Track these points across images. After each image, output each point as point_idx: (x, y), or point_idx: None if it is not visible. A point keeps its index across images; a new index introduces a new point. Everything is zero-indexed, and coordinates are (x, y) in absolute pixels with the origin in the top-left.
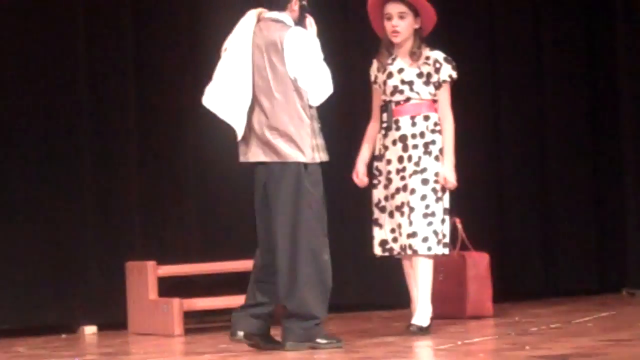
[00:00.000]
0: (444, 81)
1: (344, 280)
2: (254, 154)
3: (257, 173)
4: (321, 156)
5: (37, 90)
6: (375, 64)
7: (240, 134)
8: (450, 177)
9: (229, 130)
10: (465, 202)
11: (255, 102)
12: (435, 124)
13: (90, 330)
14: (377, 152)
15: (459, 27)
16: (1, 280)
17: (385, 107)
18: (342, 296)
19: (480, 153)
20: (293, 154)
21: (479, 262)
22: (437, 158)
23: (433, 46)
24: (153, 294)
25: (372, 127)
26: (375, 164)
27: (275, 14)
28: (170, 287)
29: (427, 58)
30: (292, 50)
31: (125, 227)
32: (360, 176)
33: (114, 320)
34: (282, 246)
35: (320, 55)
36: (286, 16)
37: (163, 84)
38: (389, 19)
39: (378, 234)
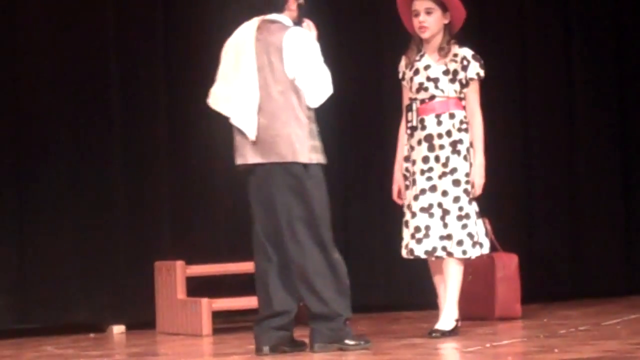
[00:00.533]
0: (471, 79)
1: (372, 280)
2: (253, 156)
3: (254, 175)
4: (319, 157)
5: (70, 98)
6: (403, 60)
7: (252, 136)
8: (478, 179)
9: None
10: (493, 202)
11: (260, 103)
12: (462, 122)
13: (118, 329)
14: (406, 153)
15: (489, 28)
16: (31, 279)
17: (410, 105)
18: (369, 296)
19: (509, 153)
20: (291, 155)
21: (507, 263)
22: (465, 158)
23: (464, 44)
24: (181, 293)
25: (403, 129)
26: (405, 165)
27: (273, 16)
28: (198, 287)
29: (455, 55)
30: (291, 50)
31: (154, 227)
32: (396, 193)
33: (142, 319)
34: (291, 248)
35: (320, 57)
36: (284, 17)
37: (192, 89)
38: (417, 15)
39: (405, 236)
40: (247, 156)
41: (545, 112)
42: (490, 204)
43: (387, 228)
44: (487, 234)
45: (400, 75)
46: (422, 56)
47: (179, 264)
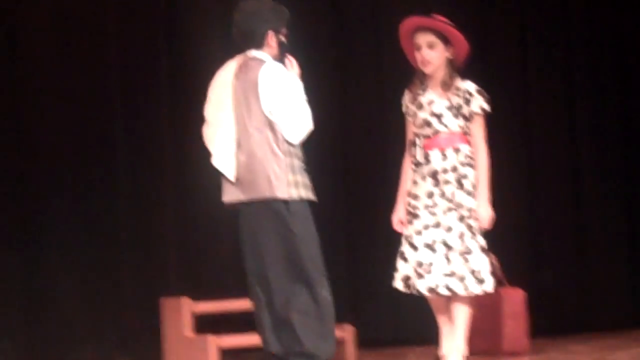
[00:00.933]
0: (475, 113)
1: (378, 314)
2: (234, 193)
3: (240, 212)
4: (301, 193)
5: (75, 135)
6: (407, 95)
7: (231, 177)
8: (484, 214)
9: None
10: (499, 237)
11: (239, 141)
12: (467, 157)
13: None
14: (408, 187)
15: (491, 63)
16: (37, 317)
17: (414, 140)
18: (376, 331)
19: (515, 189)
20: (269, 191)
21: (514, 299)
22: (470, 193)
23: (468, 78)
24: (188, 330)
25: (408, 162)
26: (407, 199)
27: (253, 53)
28: (205, 324)
29: (458, 89)
30: (266, 85)
31: (160, 263)
32: (397, 222)
33: (149, 357)
34: (275, 288)
35: (298, 93)
36: (264, 54)
37: (197, 121)
38: (419, 49)
39: (403, 268)
40: (231, 194)
41: (549, 146)
42: (495, 239)
43: (392, 261)
44: (492, 271)
45: (404, 109)
46: (425, 90)
47: (185, 300)
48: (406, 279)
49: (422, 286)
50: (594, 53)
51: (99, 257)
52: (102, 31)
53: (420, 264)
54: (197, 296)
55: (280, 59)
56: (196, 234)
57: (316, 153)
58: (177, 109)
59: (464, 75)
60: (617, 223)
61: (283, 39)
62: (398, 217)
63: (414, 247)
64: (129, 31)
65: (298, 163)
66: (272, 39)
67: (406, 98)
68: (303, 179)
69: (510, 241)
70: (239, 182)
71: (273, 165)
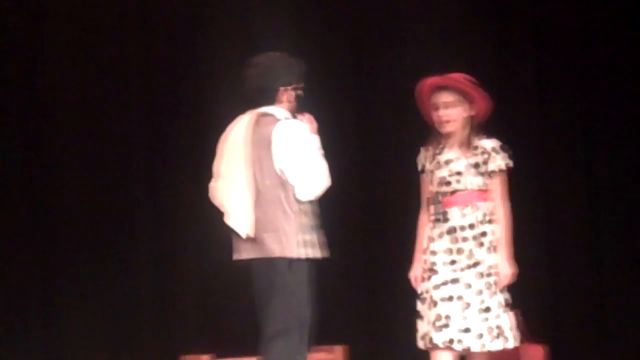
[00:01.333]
0: (493, 171)
1: None
2: (244, 251)
3: (251, 269)
4: (308, 252)
5: (96, 187)
6: (423, 152)
7: (243, 235)
8: (505, 271)
9: None
10: (521, 292)
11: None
12: (485, 215)
13: None
14: (425, 245)
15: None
16: None
17: (433, 198)
18: None
19: (535, 243)
20: (278, 250)
21: (534, 355)
22: (489, 250)
23: (491, 134)
24: None
25: (423, 219)
26: (424, 257)
27: (267, 109)
28: None
29: (476, 147)
30: (280, 142)
31: (180, 320)
32: (414, 279)
33: None
34: (263, 344)
35: (313, 150)
36: (277, 109)
37: None
38: (437, 109)
39: (420, 327)
40: (241, 252)
41: (567, 201)
42: (517, 294)
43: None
44: (516, 327)
45: (420, 168)
46: (442, 149)
47: (205, 358)
48: (425, 337)
49: (438, 339)
50: (612, 111)
51: (119, 315)
52: (124, 93)
53: (439, 317)
54: (217, 353)
55: (294, 113)
56: (216, 291)
57: (337, 205)
58: (199, 167)
59: (487, 131)
60: (636, 277)
61: (299, 92)
62: (414, 274)
63: (433, 302)
64: (151, 91)
65: (307, 221)
66: (283, 95)
67: (421, 156)
68: (312, 237)
69: (528, 296)
70: (250, 240)
71: (284, 224)
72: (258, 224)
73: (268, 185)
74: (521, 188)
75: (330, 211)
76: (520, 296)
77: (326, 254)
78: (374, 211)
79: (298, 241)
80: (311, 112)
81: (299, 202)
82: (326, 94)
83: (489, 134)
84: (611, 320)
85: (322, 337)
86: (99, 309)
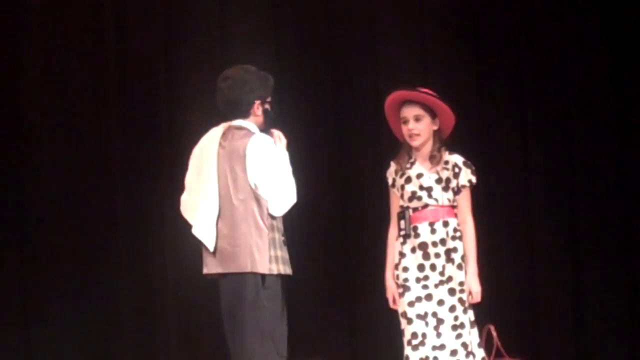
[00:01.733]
0: (463, 186)
1: None
2: (214, 265)
3: (220, 284)
4: (279, 268)
5: (75, 201)
6: (393, 167)
7: (210, 247)
8: (474, 287)
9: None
10: (498, 308)
11: (220, 212)
12: (455, 230)
13: None
14: (396, 260)
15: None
16: None
17: (403, 213)
18: None
19: (512, 257)
20: (250, 265)
21: None
22: (459, 266)
23: (455, 150)
24: None
25: (392, 235)
26: (397, 272)
27: (239, 122)
28: None
29: (447, 162)
30: (254, 157)
31: (161, 346)
32: (392, 301)
33: None
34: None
35: (285, 166)
36: (250, 123)
37: None
38: (405, 122)
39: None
40: (210, 265)
41: (548, 215)
42: (494, 309)
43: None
44: (480, 344)
45: (390, 182)
46: (412, 164)
47: None
48: (407, 357)
49: (415, 358)
50: (593, 130)
51: (100, 339)
52: (103, 105)
53: (415, 335)
54: None
55: (266, 127)
56: (196, 315)
57: (315, 219)
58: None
59: (451, 148)
60: (618, 291)
61: (268, 107)
62: (392, 293)
63: (408, 320)
64: (129, 104)
65: (279, 237)
66: (258, 108)
67: (392, 170)
68: (283, 253)
69: (507, 311)
70: (219, 254)
71: (257, 239)
72: (229, 238)
73: (241, 200)
74: (503, 203)
75: (311, 225)
76: (497, 311)
77: (291, 272)
78: (352, 225)
79: (270, 257)
80: (283, 126)
81: (271, 217)
82: (300, 108)
83: (451, 150)
84: (590, 336)
85: (301, 351)
86: (78, 333)
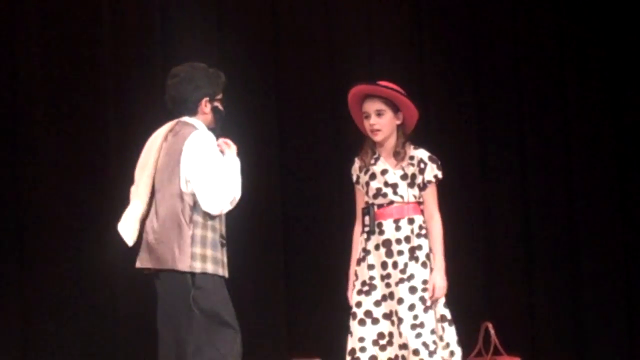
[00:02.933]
0: (429, 181)
1: None
2: (145, 260)
3: (155, 279)
4: (207, 267)
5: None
6: (357, 163)
7: (129, 243)
8: (439, 283)
9: None
10: (496, 305)
11: (153, 206)
12: (421, 227)
13: None
14: (359, 256)
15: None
16: None
17: (367, 209)
18: None
19: (510, 255)
20: (171, 262)
21: None
22: (423, 264)
23: (420, 145)
24: None
25: (357, 231)
26: (361, 269)
27: (186, 119)
28: None
29: (412, 158)
30: (189, 153)
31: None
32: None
33: None
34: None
35: (223, 166)
36: (197, 120)
37: None
38: (367, 117)
39: (350, 343)
40: (142, 259)
41: (547, 212)
42: (492, 306)
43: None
44: (489, 339)
45: (355, 179)
46: (377, 159)
47: None
48: (352, 352)
49: (383, 358)
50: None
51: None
52: (101, 103)
53: (382, 336)
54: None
55: (216, 126)
56: None
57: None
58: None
59: (416, 143)
60: (615, 287)
61: (218, 105)
62: (350, 291)
63: (374, 319)
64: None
65: (212, 236)
66: (206, 106)
67: (356, 167)
68: (214, 253)
69: (505, 309)
70: (150, 250)
71: (177, 236)
72: (158, 234)
73: (170, 195)
74: (501, 202)
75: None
76: (494, 309)
77: (226, 275)
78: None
79: (194, 254)
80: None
81: (203, 214)
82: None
83: (416, 144)
84: (588, 333)
85: (296, 350)
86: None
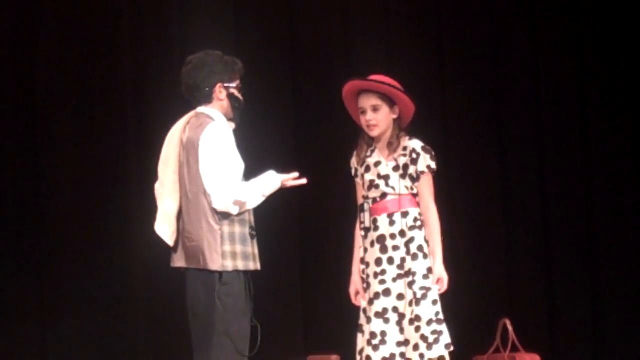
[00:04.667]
0: (422, 172)
1: None
2: (177, 259)
3: (186, 279)
4: (237, 264)
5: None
6: (355, 157)
7: (170, 243)
8: (441, 274)
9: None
10: (514, 301)
11: (181, 204)
12: (415, 220)
13: None
14: (362, 255)
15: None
16: None
17: (362, 205)
18: None
19: (529, 252)
20: (202, 262)
21: None
22: (415, 256)
23: (415, 136)
24: None
25: (358, 227)
26: (362, 267)
27: (202, 109)
28: None
29: (405, 148)
30: (204, 147)
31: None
32: (354, 295)
33: None
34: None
35: (232, 161)
36: (213, 110)
37: None
38: (363, 112)
39: (360, 342)
40: (174, 259)
41: (565, 209)
42: (510, 303)
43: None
44: (507, 336)
45: (353, 172)
46: (372, 152)
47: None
48: (361, 352)
49: (377, 358)
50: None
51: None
52: (119, 100)
53: (374, 335)
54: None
55: (235, 115)
56: None
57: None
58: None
59: (412, 134)
60: (634, 284)
61: (234, 92)
62: (355, 288)
63: (367, 318)
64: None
65: (241, 230)
66: (221, 93)
67: (354, 160)
68: (244, 248)
69: (524, 305)
70: (181, 249)
71: (208, 235)
72: (185, 232)
73: (194, 192)
74: (520, 199)
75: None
76: (513, 306)
77: (258, 267)
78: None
79: (224, 252)
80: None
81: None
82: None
83: (411, 136)
84: (607, 331)
85: (316, 346)
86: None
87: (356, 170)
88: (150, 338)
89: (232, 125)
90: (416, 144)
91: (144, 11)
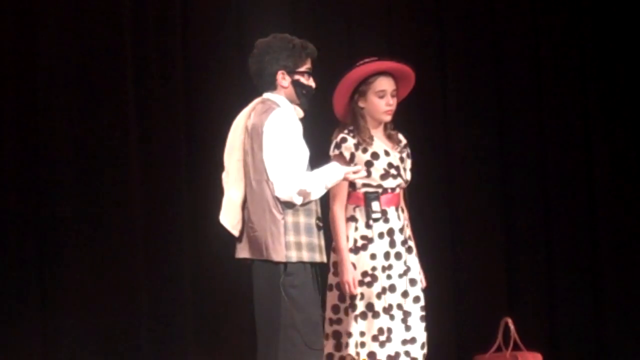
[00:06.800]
0: (410, 169)
1: None
2: (241, 250)
3: (251, 270)
4: (301, 255)
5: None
6: (351, 140)
7: (235, 233)
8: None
9: None
10: (515, 300)
11: (245, 193)
12: (406, 216)
13: None
14: (352, 244)
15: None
16: None
17: (375, 195)
18: None
19: (530, 251)
20: (266, 252)
21: None
22: (409, 249)
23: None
24: None
25: (340, 214)
26: (363, 257)
27: (267, 95)
28: None
29: (400, 141)
30: (268, 134)
31: (179, 334)
32: (353, 284)
33: None
34: (261, 353)
35: (297, 150)
36: (278, 96)
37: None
38: (382, 96)
39: (356, 332)
40: (238, 250)
41: (567, 208)
42: (512, 302)
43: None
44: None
45: (348, 157)
46: (372, 139)
47: None
48: (358, 344)
49: (383, 355)
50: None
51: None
52: (121, 95)
53: (381, 331)
54: None
55: (302, 102)
56: (215, 301)
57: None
58: (195, 171)
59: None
60: (636, 283)
61: (300, 78)
62: (352, 276)
63: (375, 313)
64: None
65: (306, 221)
66: (283, 79)
67: (350, 145)
68: (309, 239)
69: (525, 304)
70: (245, 240)
71: (270, 225)
72: (250, 223)
73: (257, 181)
74: (521, 197)
75: None
76: (516, 305)
77: (324, 259)
78: None
79: (288, 243)
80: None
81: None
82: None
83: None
84: (609, 329)
85: None
86: (96, 322)
87: (352, 154)
88: (152, 338)
89: (300, 113)
90: (404, 139)
91: (145, 11)
